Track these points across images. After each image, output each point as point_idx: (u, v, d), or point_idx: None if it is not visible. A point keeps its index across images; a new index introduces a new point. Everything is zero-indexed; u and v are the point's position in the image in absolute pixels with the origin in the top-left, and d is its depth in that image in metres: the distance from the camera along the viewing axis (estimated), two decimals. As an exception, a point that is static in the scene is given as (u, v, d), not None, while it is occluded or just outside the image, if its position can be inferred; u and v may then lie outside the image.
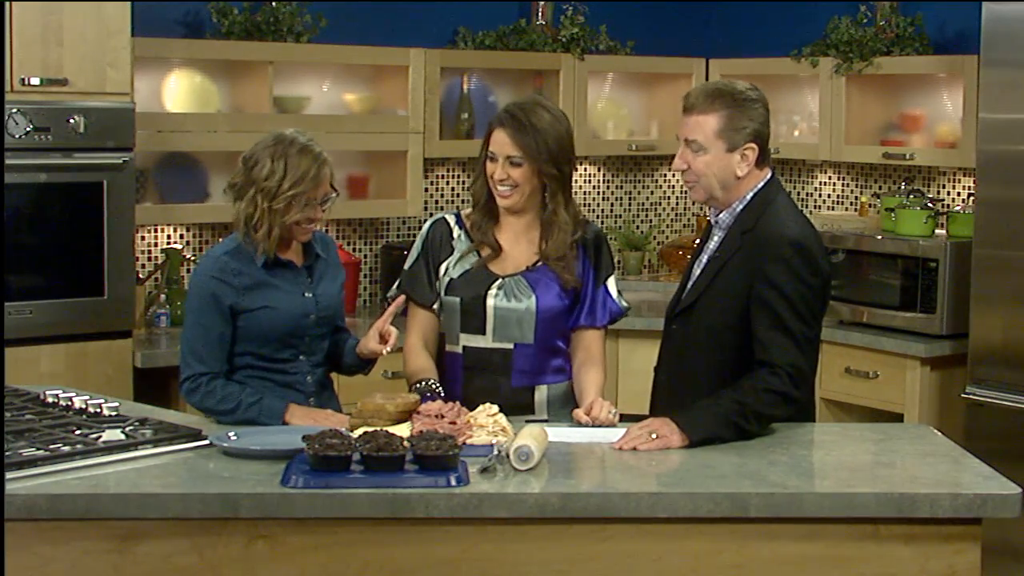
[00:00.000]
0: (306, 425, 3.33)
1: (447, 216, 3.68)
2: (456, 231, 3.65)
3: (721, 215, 3.50)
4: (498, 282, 3.58)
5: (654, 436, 3.21)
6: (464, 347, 3.59)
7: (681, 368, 3.56)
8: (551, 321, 3.59)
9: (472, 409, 3.29)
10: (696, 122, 3.43)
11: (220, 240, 3.60)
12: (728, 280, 3.43)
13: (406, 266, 3.68)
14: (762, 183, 3.48)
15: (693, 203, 6.67)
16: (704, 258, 3.54)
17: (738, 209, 3.47)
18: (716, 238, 3.52)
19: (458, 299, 3.58)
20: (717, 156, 3.42)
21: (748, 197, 3.47)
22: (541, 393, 3.62)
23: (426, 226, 3.69)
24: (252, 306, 3.49)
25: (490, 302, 3.56)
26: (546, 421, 3.53)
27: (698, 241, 3.68)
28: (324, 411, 3.48)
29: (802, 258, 3.36)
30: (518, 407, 3.53)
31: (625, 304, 3.69)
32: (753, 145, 3.43)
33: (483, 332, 3.57)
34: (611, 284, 3.66)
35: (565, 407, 3.57)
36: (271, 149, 3.47)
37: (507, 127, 3.53)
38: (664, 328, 3.65)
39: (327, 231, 5.57)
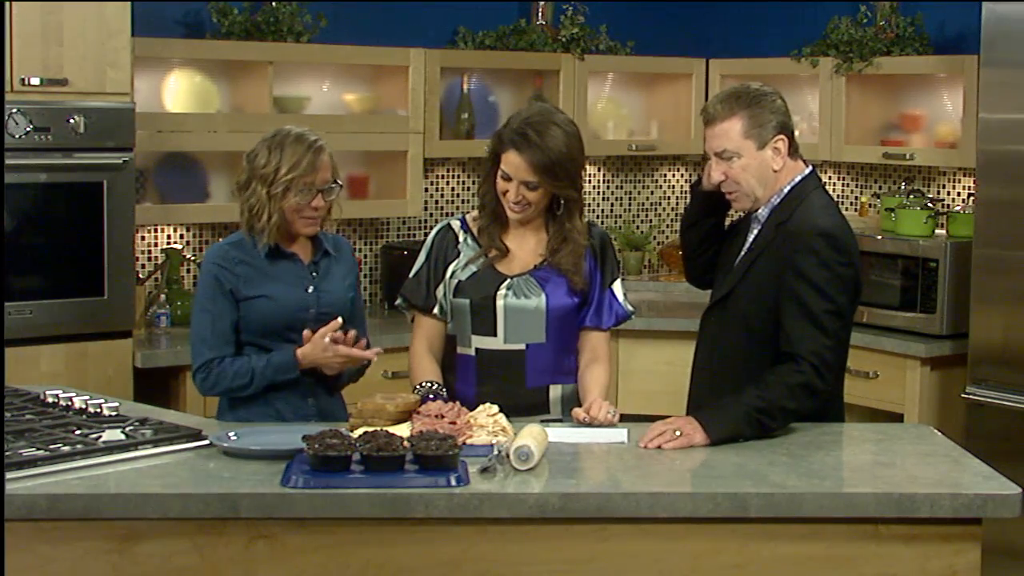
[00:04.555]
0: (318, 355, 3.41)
1: (452, 222, 3.68)
2: (462, 235, 3.64)
3: (760, 210, 3.51)
4: (507, 282, 3.58)
5: (678, 434, 3.21)
6: (476, 349, 3.59)
7: (715, 358, 3.58)
8: (563, 319, 3.59)
9: (486, 410, 3.30)
10: (721, 131, 3.43)
11: (211, 241, 3.62)
12: (762, 271, 3.45)
13: (411, 273, 3.68)
14: (799, 177, 3.50)
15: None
16: (743, 251, 3.55)
17: (775, 203, 3.48)
18: (754, 232, 3.53)
19: (468, 301, 3.58)
20: (750, 157, 3.43)
21: (785, 191, 3.48)
22: (556, 393, 3.62)
23: (432, 233, 3.68)
24: (251, 294, 3.52)
25: (500, 302, 3.56)
26: (560, 421, 3.54)
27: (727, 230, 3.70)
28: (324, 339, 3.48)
29: (832, 248, 3.37)
30: (533, 407, 3.55)
31: (631, 308, 3.70)
32: (782, 136, 3.45)
33: (494, 334, 3.57)
34: (617, 288, 3.66)
35: (579, 406, 3.56)
36: (269, 140, 3.55)
37: (522, 151, 3.46)
38: (701, 319, 3.67)
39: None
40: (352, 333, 3.50)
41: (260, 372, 3.47)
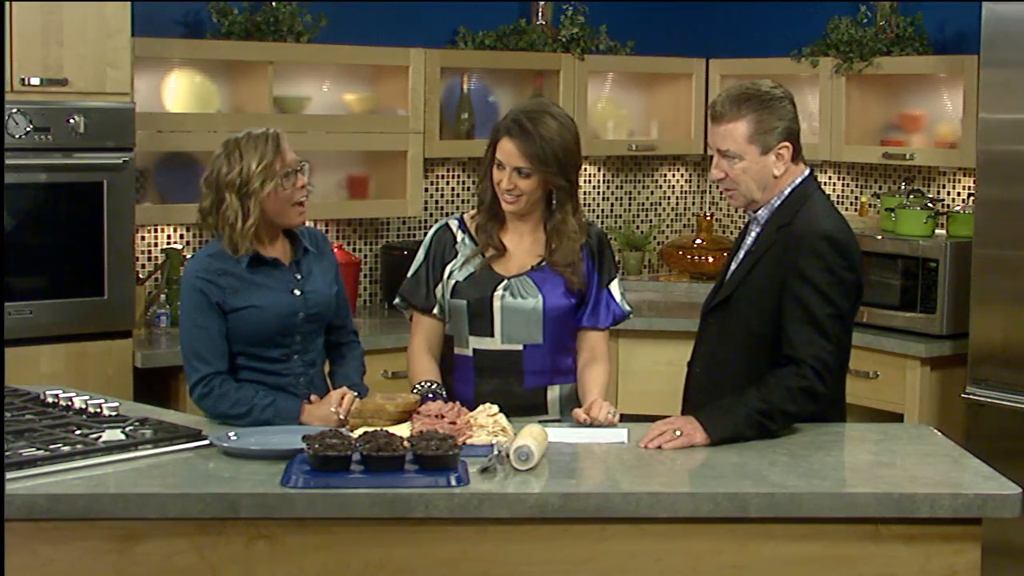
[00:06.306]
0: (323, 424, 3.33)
1: (450, 221, 3.68)
2: (459, 235, 3.65)
3: (759, 211, 3.50)
4: (504, 283, 3.58)
5: (678, 434, 3.21)
6: (474, 349, 3.60)
7: (715, 362, 3.56)
8: (559, 320, 3.59)
9: (485, 410, 3.30)
10: (726, 131, 3.41)
11: (211, 241, 3.60)
12: (763, 274, 3.43)
13: (409, 273, 3.68)
14: (799, 179, 3.48)
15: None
16: (741, 254, 3.54)
17: (776, 204, 3.47)
18: (754, 233, 3.52)
19: (465, 302, 3.58)
20: (753, 161, 3.41)
21: (786, 193, 3.47)
22: (554, 393, 3.62)
23: (430, 233, 3.69)
24: (238, 305, 3.49)
25: (496, 303, 3.56)
26: (558, 421, 3.54)
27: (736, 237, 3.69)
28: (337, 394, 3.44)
29: (836, 252, 3.36)
30: (531, 408, 3.55)
31: (628, 308, 3.70)
32: (787, 144, 3.43)
33: (491, 334, 3.57)
34: (614, 287, 3.67)
35: (578, 406, 3.56)
36: (223, 154, 3.51)
37: (515, 137, 3.49)
38: (700, 322, 3.66)
39: (326, 230, 5.57)
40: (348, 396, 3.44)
41: (260, 410, 3.40)
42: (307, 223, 3.66)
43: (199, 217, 3.57)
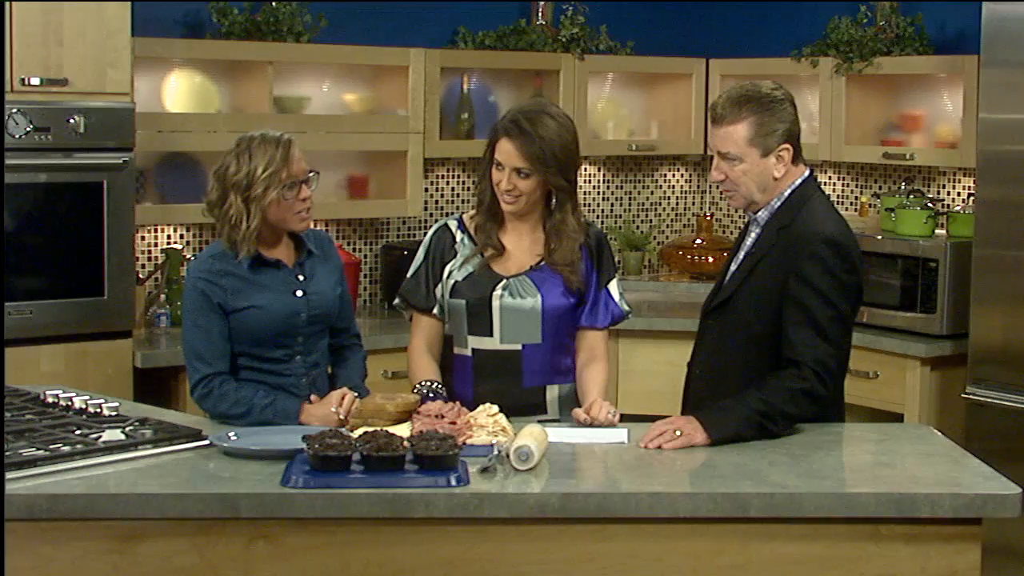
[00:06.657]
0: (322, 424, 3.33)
1: (449, 222, 3.69)
2: (459, 235, 3.65)
3: (759, 212, 3.50)
4: (503, 282, 3.58)
5: (678, 434, 3.21)
6: (473, 349, 3.60)
7: (715, 363, 3.56)
8: (559, 319, 3.59)
9: (484, 410, 3.30)
10: (727, 133, 3.40)
11: (211, 241, 3.61)
12: (764, 276, 3.43)
13: (409, 273, 3.69)
14: (799, 180, 3.47)
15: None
16: (741, 255, 3.54)
17: (776, 206, 3.46)
18: (753, 234, 3.52)
19: (464, 302, 3.58)
20: (753, 163, 3.41)
21: (786, 194, 3.46)
22: (553, 393, 3.62)
23: (429, 233, 3.69)
24: (240, 306, 3.49)
25: (495, 302, 3.56)
26: (557, 421, 3.54)
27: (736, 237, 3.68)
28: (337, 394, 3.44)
29: (837, 255, 3.36)
30: (530, 407, 3.55)
31: (627, 307, 3.70)
32: (787, 146, 3.42)
33: (490, 334, 3.57)
34: (613, 287, 3.67)
35: (576, 406, 3.56)
36: (235, 151, 3.51)
37: (513, 138, 3.49)
38: (699, 323, 3.65)
39: (326, 230, 5.57)
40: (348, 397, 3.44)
41: (260, 409, 3.40)
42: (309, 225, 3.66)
43: (205, 208, 3.57)
